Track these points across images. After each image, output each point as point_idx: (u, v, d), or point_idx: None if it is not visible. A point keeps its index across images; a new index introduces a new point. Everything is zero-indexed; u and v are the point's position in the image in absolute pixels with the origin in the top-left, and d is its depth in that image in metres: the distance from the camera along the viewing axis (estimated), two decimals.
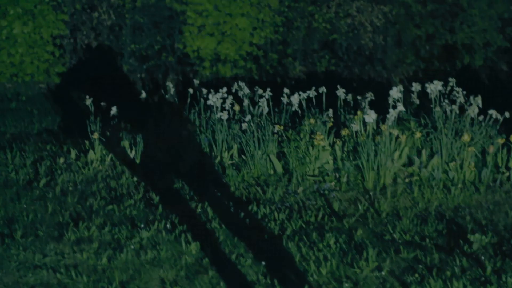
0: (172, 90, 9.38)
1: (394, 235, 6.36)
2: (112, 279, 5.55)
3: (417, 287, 5.41)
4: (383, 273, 5.67)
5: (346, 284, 5.47)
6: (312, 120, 7.98)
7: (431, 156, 7.96)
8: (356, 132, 7.87)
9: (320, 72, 12.86)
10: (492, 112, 8.12)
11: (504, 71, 14.70)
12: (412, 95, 8.84)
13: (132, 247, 6.06)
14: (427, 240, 6.29)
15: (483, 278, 5.59)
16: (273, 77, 12.75)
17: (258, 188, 7.43)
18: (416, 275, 5.63)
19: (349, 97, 8.72)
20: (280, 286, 5.41)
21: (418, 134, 7.95)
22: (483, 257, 5.91)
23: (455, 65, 14.19)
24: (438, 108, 8.14)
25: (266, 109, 8.24)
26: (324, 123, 8.06)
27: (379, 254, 5.97)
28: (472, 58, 14.35)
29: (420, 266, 5.77)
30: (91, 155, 8.41)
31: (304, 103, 8.64)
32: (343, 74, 12.83)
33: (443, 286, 5.44)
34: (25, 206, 7.02)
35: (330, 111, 8.32)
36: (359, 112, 7.86)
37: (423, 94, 8.77)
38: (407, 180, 7.66)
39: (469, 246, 6.13)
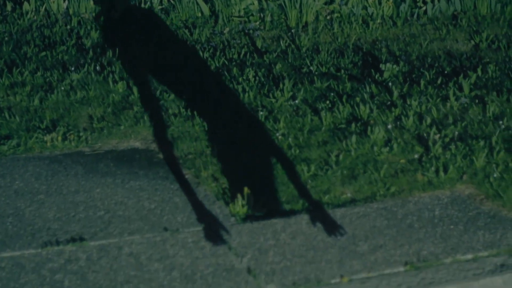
0: None
1: (311, 68, 6.59)
2: (43, 118, 5.75)
3: (327, 112, 5.68)
4: (296, 101, 5.92)
5: (261, 112, 5.72)
6: None
7: None
8: None
9: None
10: None
11: None
12: None
13: (63, 88, 6.22)
14: (342, 71, 6.53)
15: (389, 102, 5.88)
16: None
17: (186, 30, 7.56)
18: (328, 102, 5.89)
19: None
20: (199, 117, 5.65)
21: None
22: (390, 84, 6.18)
23: None
24: None
25: None
26: None
27: (295, 85, 6.20)
28: None
29: (332, 94, 6.03)
30: (25, 6, 8.41)
31: None
32: None
33: (351, 110, 5.72)
34: None
35: None
36: None
37: None
38: (328, 17, 7.83)
39: (381, 75, 6.38)
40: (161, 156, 5.24)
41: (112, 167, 5.08)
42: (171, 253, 4.10)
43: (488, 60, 6.77)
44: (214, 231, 4.29)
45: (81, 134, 5.50)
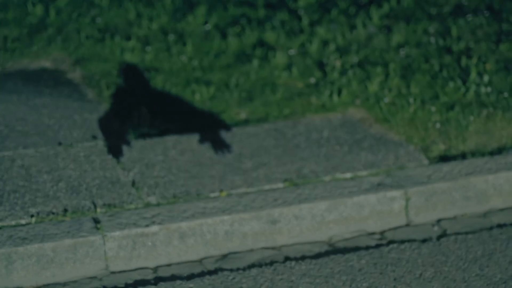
0: None
1: None
2: None
3: (234, 36, 5.74)
4: (208, 26, 5.97)
5: (170, 37, 5.77)
6: None
7: None
8: None
9: None
10: None
11: None
12: None
13: None
14: None
15: (297, 29, 5.94)
16: None
17: None
18: (238, 27, 5.94)
19: None
20: (111, 39, 5.70)
21: None
22: (303, 12, 6.23)
23: None
24: None
25: None
26: None
27: (209, 11, 6.24)
28: None
29: (244, 20, 6.08)
30: None
31: None
32: None
33: (258, 36, 5.78)
34: None
35: None
36: None
37: None
38: None
39: (296, 3, 6.43)
40: (68, 76, 5.30)
41: (20, 85, 5.13)
42: (61, 166, 4.20)
43: None
44: (106, 146, 4.39)
45: None
